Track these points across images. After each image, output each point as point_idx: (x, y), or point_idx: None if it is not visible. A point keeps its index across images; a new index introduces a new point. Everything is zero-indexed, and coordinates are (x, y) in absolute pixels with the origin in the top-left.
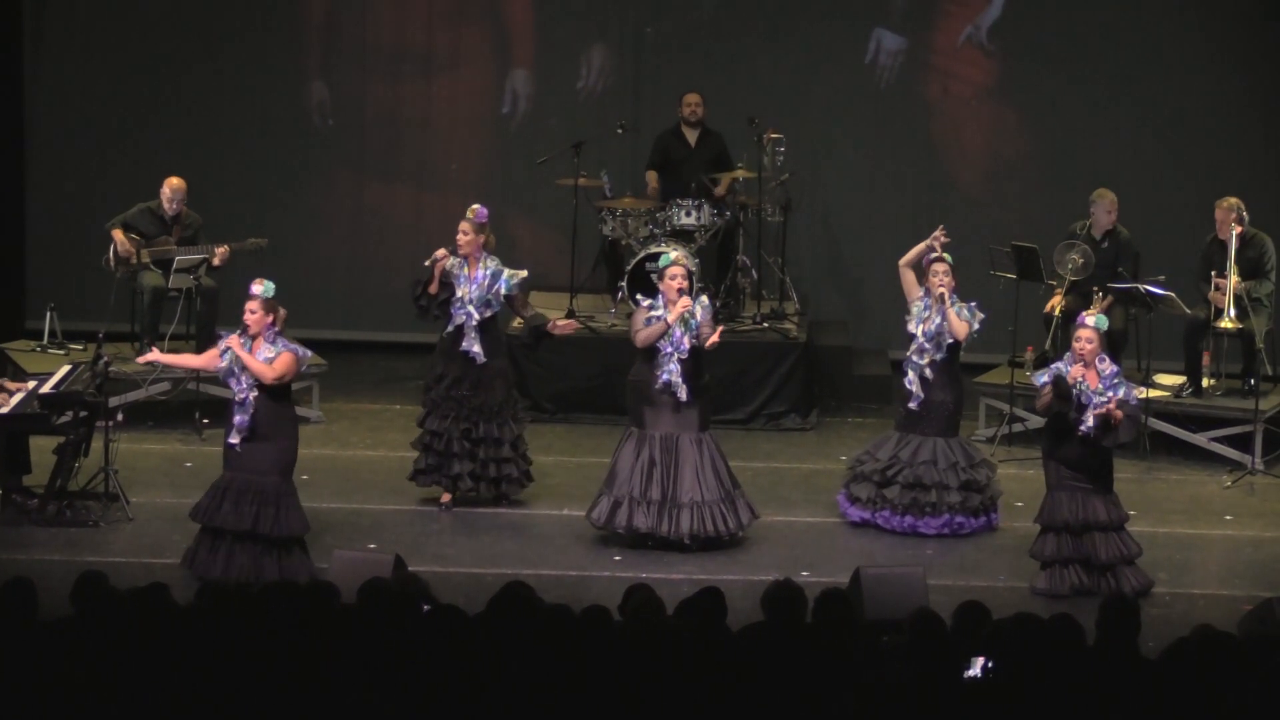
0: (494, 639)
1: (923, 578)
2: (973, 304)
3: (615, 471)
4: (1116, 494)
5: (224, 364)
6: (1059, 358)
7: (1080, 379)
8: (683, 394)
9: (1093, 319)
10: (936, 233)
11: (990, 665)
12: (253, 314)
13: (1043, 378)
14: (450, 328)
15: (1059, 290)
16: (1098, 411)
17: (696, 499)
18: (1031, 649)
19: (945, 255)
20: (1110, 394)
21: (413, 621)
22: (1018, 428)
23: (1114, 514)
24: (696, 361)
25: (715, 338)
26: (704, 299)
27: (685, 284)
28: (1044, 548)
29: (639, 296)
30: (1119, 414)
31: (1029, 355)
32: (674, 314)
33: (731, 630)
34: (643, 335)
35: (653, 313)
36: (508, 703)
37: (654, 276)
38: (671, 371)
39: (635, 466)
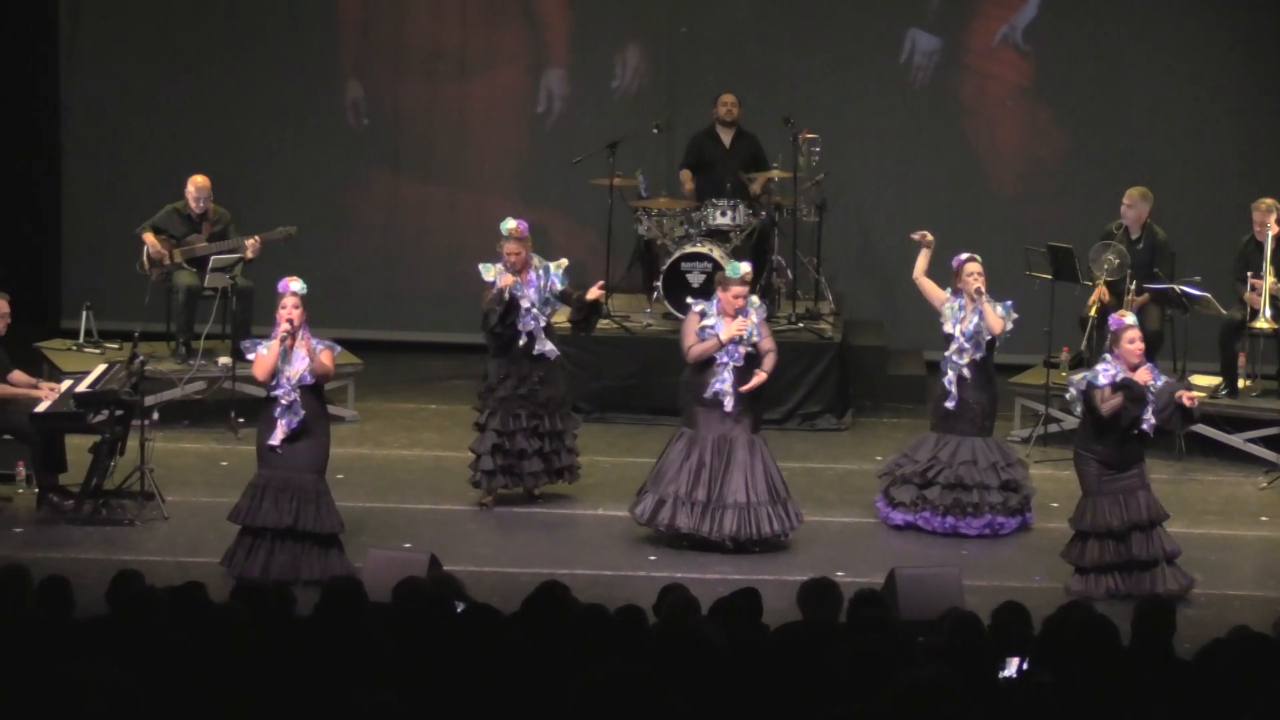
0: (528, 638)
1: (958, 578)
2: (1008, 303)
3: (662, 470)
4: (1154, 492)
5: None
6: (1095, 358)
7: (1149, 381)
8: (729, 404)
9: (1130, 317)
10: (920, 236)
11: (1025, 666)
12: (296, 309)
13: (1099, 380)
14: (523, 339)
15: (1099, 284)
16: (1182, 397)
17: (742, 500)
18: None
19: (976, 256)
20: (1161, 385)
21: (447, 621)
22: (1053, 428)
23: (1154, 510)
24: (748, 369)
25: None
26: (756, 302)
27: (744, 303)
28: (1083, 554)
29: (689, 299)
30: (1192, 397)
31: (1064, 356)
32: (728, 334)
33: (767, 629)
34: (696, 351)
35: (705, 321)
36: (540, 702)
37: (689, 274)
38: (724, 380)
39: (684, 466)
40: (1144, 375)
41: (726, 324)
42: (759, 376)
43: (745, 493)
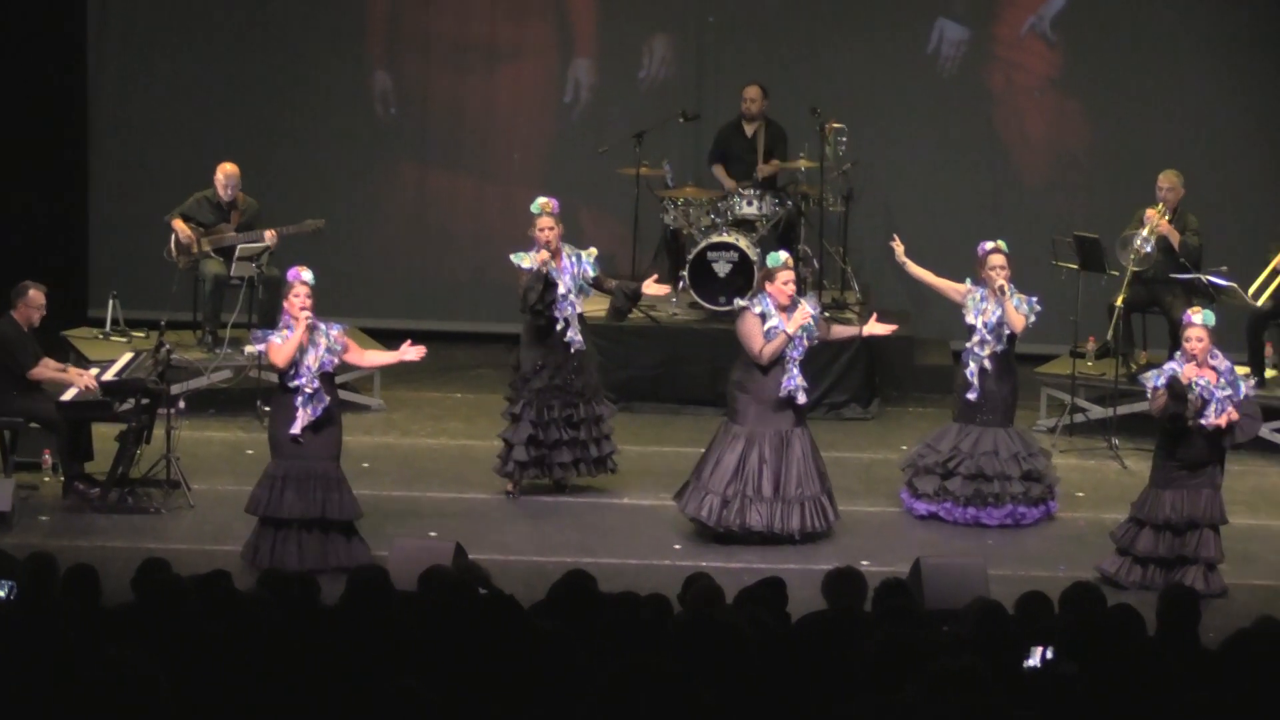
0: (553, 627)
1: (983, 568)
2: (1033, 299)
3: (720, 468)
4: (1221, 495)
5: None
6: (1121, 349)
7: (1194, 379)
8: (802, 398)
9: (1199, 316)
10: (896, 247)
11: (1049, 655)
12: (310, 298)
13: (1158, 380)
14: (560, 323)
15: (1160, 216)
16: (1217, 421)
17: (804, 494)
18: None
19: (1001, 245)
20: (1231, 393)
21: (472, 609)
22: (1079, 418)
23: (1212, 512)
24: (806, 361)
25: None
26: (808, 299)
27: (794, 290)
28: (1135, 540)
29: (737, 299)
30: (1236, 416)
31: (1091, 346)
32: (794, 326)
33: (792, 619)
34: (768, 351)
35: (770, 323)
36: (565, 691)
37: (715, 264)
38: (796, 377)
39: (746, 464)
40: (1190, 372)
41: (785, 318)
42: (891, 327)
43: (805, 486)
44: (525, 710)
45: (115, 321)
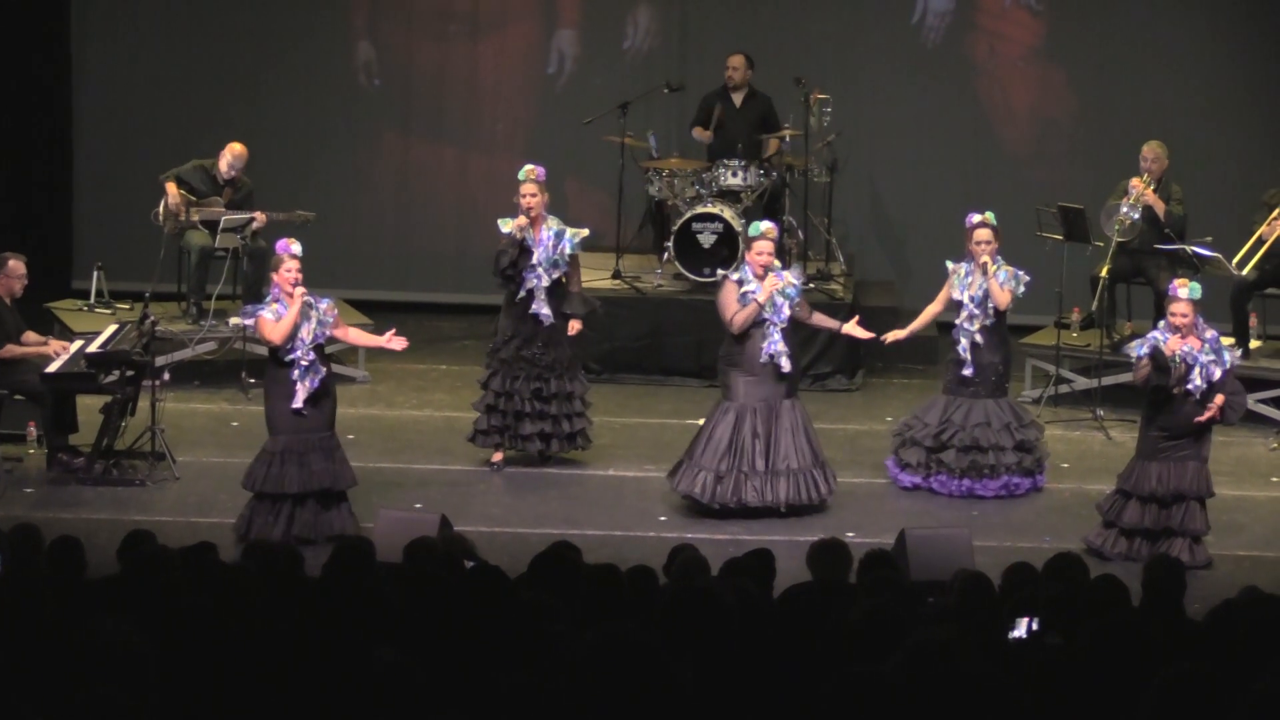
0: (537, 598)
1: (968, 539)
2: (1020, 272)
3: (711, 444)
4: (1208, 468)
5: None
6: (1104, 320)
7: (1179, 350)
8: (786, 365)
9: (1185, 290)
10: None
11: (1035, 626)
12: (300, 271)
13: (1141, 350)
14: (523, 292)
15: (1146, 188)
16: (1206, 415)
17: (793, 466)
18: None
19: (989, 218)
20: (1215, 359)
21: (456, 581)
22: (1064, 389)
23: (1199, 485)
24: (791, 330)
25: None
26: (791, 270)
27: (772, 259)
28: (1122, 513)
29: (719, 270)
30: (1221, 400)
31: (1075, 317)
32: (764, 294)
33: (777, 590)
34: (739, 319)
35: (745, 289)
36: (548, 662)
37: (700, 235)
38: (776, 343)
39: (738, 439)
40: (1174, 344)
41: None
42: (869, 335)
43: (795, 458)
44: (509, 682)
45: (100, 293)
